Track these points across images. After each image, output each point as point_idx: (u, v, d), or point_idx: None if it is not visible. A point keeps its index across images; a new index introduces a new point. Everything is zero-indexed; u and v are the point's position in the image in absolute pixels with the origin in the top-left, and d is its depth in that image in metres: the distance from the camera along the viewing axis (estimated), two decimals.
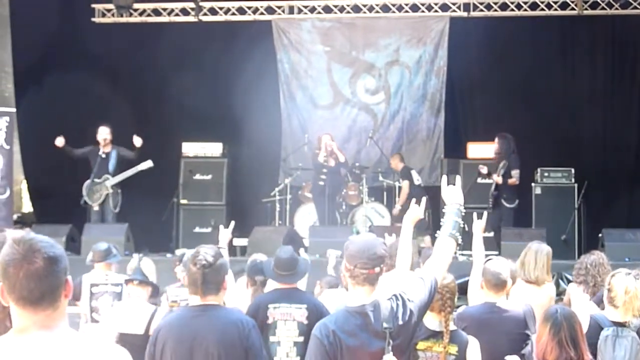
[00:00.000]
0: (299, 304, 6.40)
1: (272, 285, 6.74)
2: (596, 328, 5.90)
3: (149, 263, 9.18)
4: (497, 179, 14.20)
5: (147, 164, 14.22)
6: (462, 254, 14.66)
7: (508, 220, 14.29)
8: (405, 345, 4.47)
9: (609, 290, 6.06)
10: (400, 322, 4.41)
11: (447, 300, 5.60)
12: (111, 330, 7.24)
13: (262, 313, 6.20)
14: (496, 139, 14.44)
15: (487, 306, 6.31)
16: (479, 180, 14.95)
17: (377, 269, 4.44)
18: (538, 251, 7.81)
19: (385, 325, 4.35)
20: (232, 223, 6.55)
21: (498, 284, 6.30)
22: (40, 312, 2.84)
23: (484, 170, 14.56)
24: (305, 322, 6.31)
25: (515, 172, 14.21)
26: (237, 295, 6.52)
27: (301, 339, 6.21)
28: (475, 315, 6.28)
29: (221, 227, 6.56)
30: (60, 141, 14.37)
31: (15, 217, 15.49)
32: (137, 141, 14.25)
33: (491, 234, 14.66)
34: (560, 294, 10.87)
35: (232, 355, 4.83)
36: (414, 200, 5.60)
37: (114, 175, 14.35)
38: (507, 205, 14.30)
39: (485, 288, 6.36)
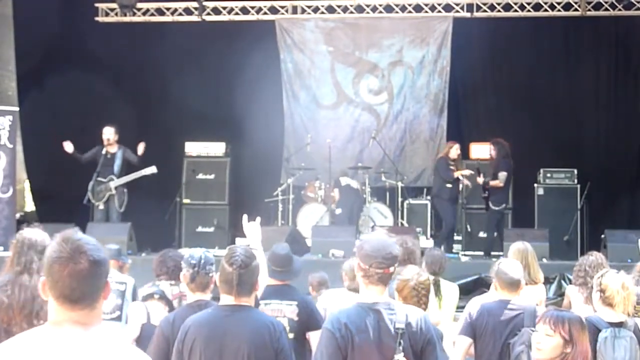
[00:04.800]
0: (290, 300, 6.44)
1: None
2: (593, 330, 5.90)
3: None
4: (479, 179, 14.32)
5: (152, 169, 14.23)
6: (465, 255, 14.72)
7: (494, 223, 14.33)
8: (413, 353, 4.48)
9: (602, 290, 6.05)
10: (414, 329, 4.45)
11: (422, 297, 5.62)
12: (140, 322, 7.22)
13: None
14: (491, 145, 14.53)
15: (503, 303, 6.30)
16: (480, 181, 14.98)
17: (391, 269, 4.50)
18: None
19: (397, 325, 4.39)
20: (259, 219, 6.47)
21: (513, 285, 6.31)
22: (78, 310, 2.90)
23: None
24: (296, 318, 6.36)
25: (502, 175, 14.25)
26: None
27: (291, 335, 6.23)
28: (492, 310, 6.27)
29: (245, 219, 6.44)
30: (69, 147, 14.41)
31: (18, 216, 15.50)
32: (140, 148, 14.30)
33: (495, 234, 14.72)
34: (562, 294, 10.88)
35: (263, 357, 4.82)
36: None
37: (118, 176, 14.36)
38: (493, 207, 14.34)
39: (499, 289, 6.35)
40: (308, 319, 6.50)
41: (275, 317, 6.15)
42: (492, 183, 14.36)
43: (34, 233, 5.92)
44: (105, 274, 2.98)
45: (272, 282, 6.58)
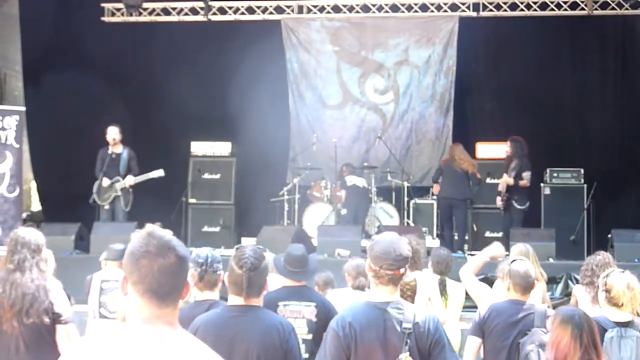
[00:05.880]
0: (309, 302, 6.42)
1: (278, 282, 6.76)
2: (599, 330, 5.88)
3: None
4: (509, 179, 14.19)
5: (159, 172, 14.20)
6: (471, 254, 14.68)
7: (518, 222, 14.28)
8: (420, 353, 4.47)
9: (608, 290, 6.03)
10: (422, 329, 4.45)
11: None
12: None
13: (272, 310, 6.20)
14: (508, 142, 14.44)
15: (514, 303, 6.27)
16: (488, 180, 14.93)
17: (402, 270, 4.52)
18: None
19: (405, 325, 4.39)
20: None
21: (527, 286, 6.29)
22: (164, 307, 2.87)
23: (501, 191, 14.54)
24: (315, 319, 6.33)
25: (527, 174, 14.22)
26: None
27: (310, 336, 6.23)
28: (502, 310, 6.25)
29: None
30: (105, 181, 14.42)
31: (24, 215, 15.51)
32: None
33: (500, 234, 14.68)
34: (569, 294, 10.86)
35: (272, 357, 4.82)
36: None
37: (124, 176, 14.33)
38: (518, 207, 14.31)
39: (512, 290, 6.31)
40: (326, 320, 6.47)
41: (294, 318, 6.17)
42: (521, 183, 14.29)
43: (28, 232, 5.96)
44: (188, 271, 2.97)
45: (289, 282, 6.58)
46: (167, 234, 2.95)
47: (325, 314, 6.42)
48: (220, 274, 5.84)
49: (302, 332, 6.24)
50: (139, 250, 2.88)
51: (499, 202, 14.41)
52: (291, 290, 6.51)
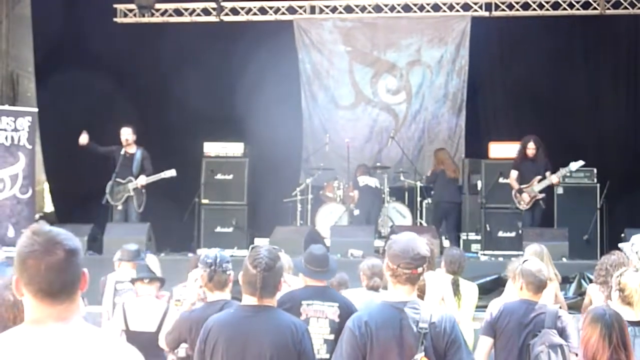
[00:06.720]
0: (332, 302, 6.43)
1: (297, 283, 6.79)
2: None
3: (154, 259, 9.30)
4: (557, 179, 14.11)
5: (171, 172, 14.19)
6: (484, 254, 14.66)
7: (539, 220, 14.26)
8: (436, 353, 4.47)
9: (622, 289, 6.01)
10: (438, 329, 4.44)
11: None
12: (119, 328, 7.31)
13: (295, 309, 6.21)
14: (533, 143, 14.26)
15: (525, 303, 6.26)
16: (501, 180, 14.91)
17: (419, 269, 4.50)
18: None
19: (421, 325, 4.39)
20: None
21: (540, 286, 6.27)
22: (58, 304, 2.81)
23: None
24: (337, 320, 6.35)
25: (557, 173, 14.22)
26: None
27: (332, 336, 6.24)
28: (514, 310, 6.24)
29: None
30: (84, 138, 14.35)
31: (37, 216, 15.56)
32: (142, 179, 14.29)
33: (513, 234, 14.65)
34: (582, 294, 10.84)
35: (285, 358, 4.80)
36: None
37: (137, 176, 14.32)
38: (543, 206, 14.28)
39: (524, 289, 6.29)
40: None
41: (317, 318, 6.18)
42: (553, 182, 14.25)
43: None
44: (81, 262, 2.88)
45: (311, 282, 6.59)
46: (54, 229, 2.87)
47: (347, 314, 6.42)
48: (230, 273, 5.85)
49: (325, 332, 6.27)
50: (24, 251, 2.81)
51: (527, 200, 14.25)
52: (315, 290, 6.53)
